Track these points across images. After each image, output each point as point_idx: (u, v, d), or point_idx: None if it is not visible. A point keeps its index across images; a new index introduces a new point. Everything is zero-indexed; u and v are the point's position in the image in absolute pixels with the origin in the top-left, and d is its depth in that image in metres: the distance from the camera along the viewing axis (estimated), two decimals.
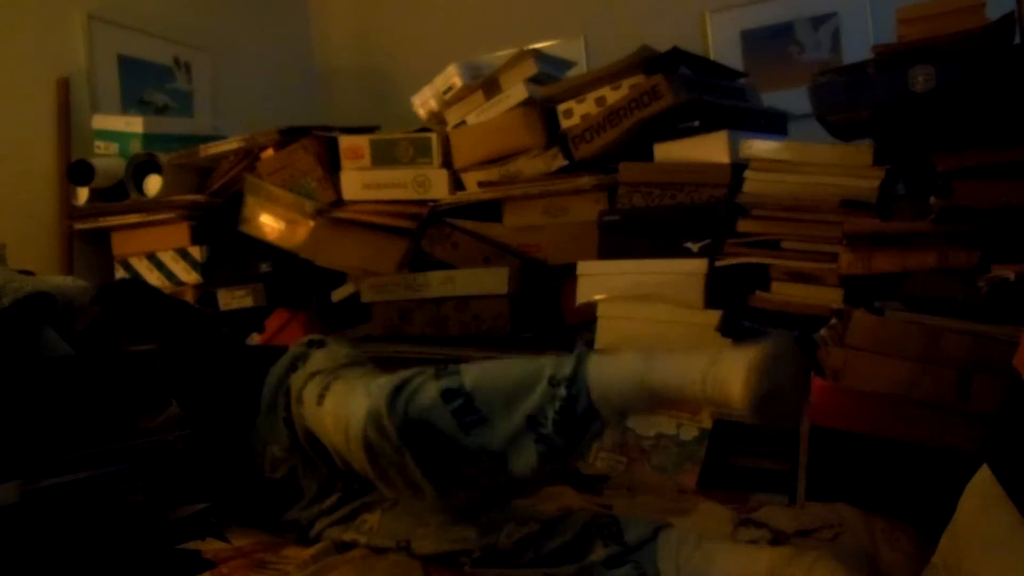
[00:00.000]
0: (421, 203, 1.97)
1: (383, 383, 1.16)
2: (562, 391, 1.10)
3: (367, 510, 1.24)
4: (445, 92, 2.04)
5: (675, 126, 1.77)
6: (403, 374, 1.17)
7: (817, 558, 1.01)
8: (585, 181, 1.80)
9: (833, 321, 1.31)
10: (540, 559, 1.11)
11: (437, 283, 1.89)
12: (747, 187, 1.55)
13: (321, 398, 1.22)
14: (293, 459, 1.28)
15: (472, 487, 1.14)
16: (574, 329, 1.80)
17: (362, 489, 1.25)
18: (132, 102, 2.34)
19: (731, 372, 1.02)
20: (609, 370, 1.11)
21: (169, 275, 2.08)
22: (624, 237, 1.67)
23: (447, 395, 1.13)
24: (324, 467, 1.26)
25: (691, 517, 1.25)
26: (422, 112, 2.12)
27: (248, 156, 2.12)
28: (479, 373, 1.16)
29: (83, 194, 2.15)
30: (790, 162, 1.52)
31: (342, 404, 1.19)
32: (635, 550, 1.09)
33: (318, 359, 1.30)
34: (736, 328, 1.47)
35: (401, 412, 1.12)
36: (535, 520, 1.14)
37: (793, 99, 1.98)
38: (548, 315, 1.87)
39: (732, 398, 1.01)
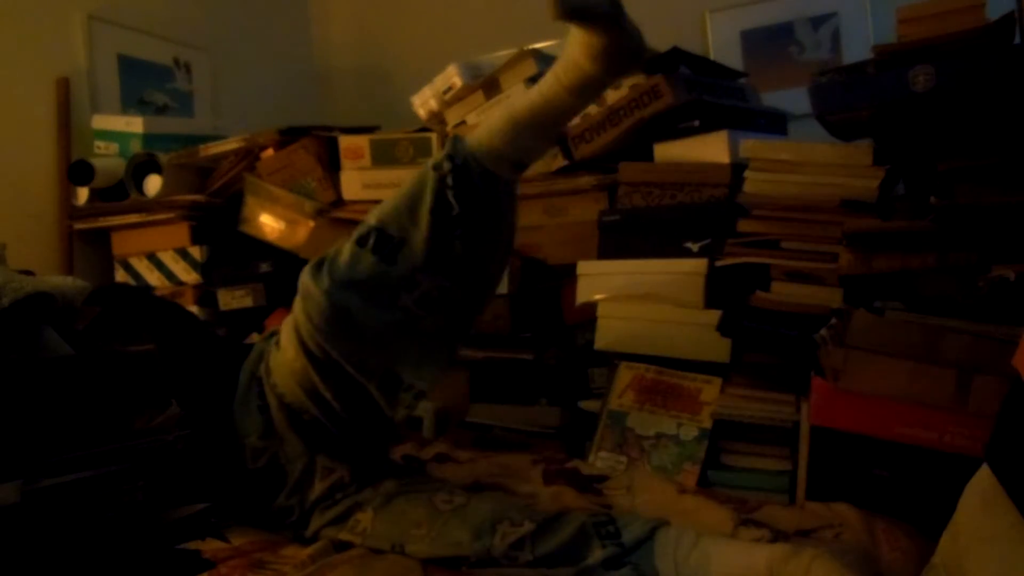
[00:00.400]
0: None
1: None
2: (446, 165, 1.15)
3: (359, 509, 1.24)
4: (445, 92, 2.04)
5: (675, 126, 1.77)
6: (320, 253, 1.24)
7: (815, 556, 1.01)
8: (585, 181, 1.80)
9: (833, 321, 1.31)
10: (537, 561, 1.11)
11: None
12: (747, 187, 1.55)
13: (277, 343, 1.27)
14: (271, 445, 1.28)
15: (430, 309, 1.18)
16: (574, 329, 1.80)
17: (351, 484, 1.25)
18: (132, 102, 2.34)
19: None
20: (481, 128, 1.19)
21: (169, 275, 2.08)
22: (624, 237, 1.67)
23: (360, 241, 1.19)
24: (301, 442, 1.26)
25: (691, 517, 1.24)
26: (422, 112, 2.12)
27: (248, 156, 2.12)
28: (379, 208, 1.22)
29: (83, 194, 2.15)
30: (790, 162, 1.52)
31: (286, 324, 1.24)
32: (633, 550, 1.09)
33: None
34: (736, 328, 1.47)
35: (327, 281, 1.17)
36: (530, 520, 1.13)
37: (793, 99, 1.98)
38: (548, 315, 1.87)
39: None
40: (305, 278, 1.20)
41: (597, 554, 1.09)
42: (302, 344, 1.20)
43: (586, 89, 1.20)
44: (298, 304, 1.21)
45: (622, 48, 1.18)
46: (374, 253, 1.17)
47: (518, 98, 1.21)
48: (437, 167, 1.17)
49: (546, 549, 1.11)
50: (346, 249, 1.20)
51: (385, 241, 1.18)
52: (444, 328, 1.21)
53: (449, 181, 1.15)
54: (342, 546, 1.22)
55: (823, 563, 1.00)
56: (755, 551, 1.06)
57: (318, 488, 1.26)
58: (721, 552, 1.07)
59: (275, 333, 1.34)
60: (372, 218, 1.21)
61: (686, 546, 1.07)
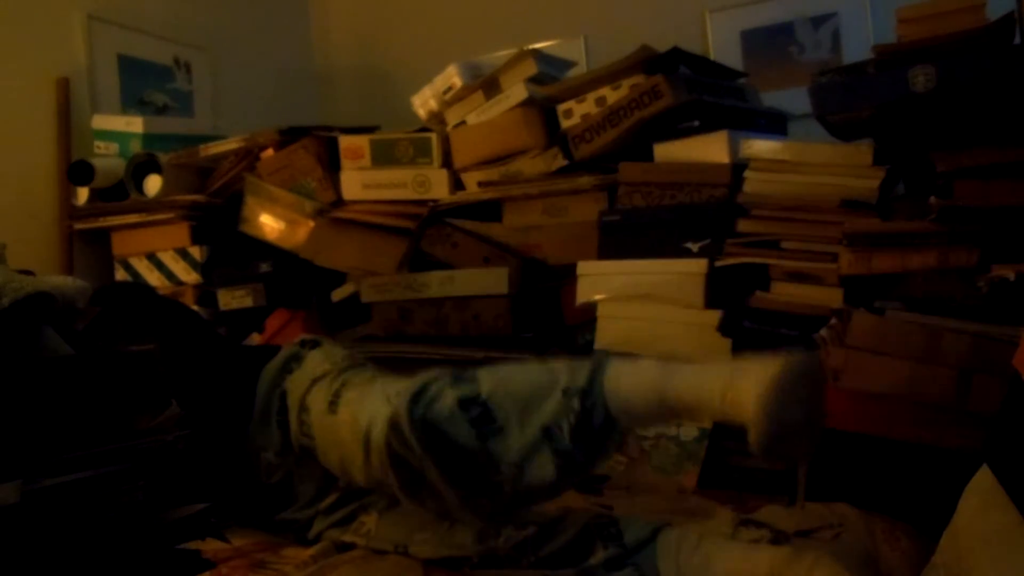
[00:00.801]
0: (421, 203, 1.97)
1: (401, 389, 1.14)
2: (576, 403, 1.07)
3: (364, 512, 1.24)
4: (445, 92, 2.04)
5: (675, 126, 1.77)
6: (420, 379, 1.15)
7: (817, 559, 1.01)
8: (585, 181, 1.79)
9: (833, 321, 1.31)
10: (539, 562, 1.11)
11: (437, 283, 1.89)
12: (747, 187, 1.55)
13: (333, 405, 1.20)
14: (287, 463, 1.27)
15: (495, 494, 1.11)
16: (574, 329, 1.80)
17: (360, 491, 1.25)
18: (132, 102, 2.34)
19: (745, 385, 0.99)
20: (627, 382, 1.08)
21: (169, 275, 2.08)
22: (624, 237, 1.67)
23: (464, 404, 1.11)
24: (321, 468, 1.25)
25: (691, 517, 1.25)
26: (422, 112, 2.12)
27: (248, 156, 2.12)
28: (495, 381, 1.13)
29: (83, 194, 2.15)
30: (790, 162, 1.52)
31: (360, 412, 1.16)
32: (635, 552, 1.09)
33: (315, 361, 1.28)
34: (736, 328, 1.47)
35: (419, 419, 1.10)
36: (533, 523, 1.13)
37: (793, 99, 1.98)
38: (548, 315, 1.87)
39: (746, 423, 1.00)
40: (401, 410, 1.11)
41: (599, 555, 1.09)
42: (365, 445, 1.14)
43: (731, 424, 1.10)
44: (379, 424, 1.13)
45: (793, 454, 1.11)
46: (473, 427, 1.10)
47: (676, 373, 1.07)
48: (567, 394, 1.09)
49: (549, 551, 1.11)
50: (447, 401, 1.11)
51: (488, 420, 1.10)
52: (491, 513, 1.14)
53: (571, 419, 1.07)
54: (344, 547, 1.22)
55: (825, 566, 1.00)
56: (757, 553, 1.06)
57: (327, 501, 1.26)
58: (723, 554, 1.07)
59: (306, 343, 1.31)
60: (484, 386, 1.13)
61: (688, 548, 1.07)
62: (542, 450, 1.08)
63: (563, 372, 1.11)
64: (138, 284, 2.04)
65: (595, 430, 1.08)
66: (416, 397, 1.12)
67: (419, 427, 1.09)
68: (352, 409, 1.18)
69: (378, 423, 1.12)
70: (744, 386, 1.00)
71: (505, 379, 1.14)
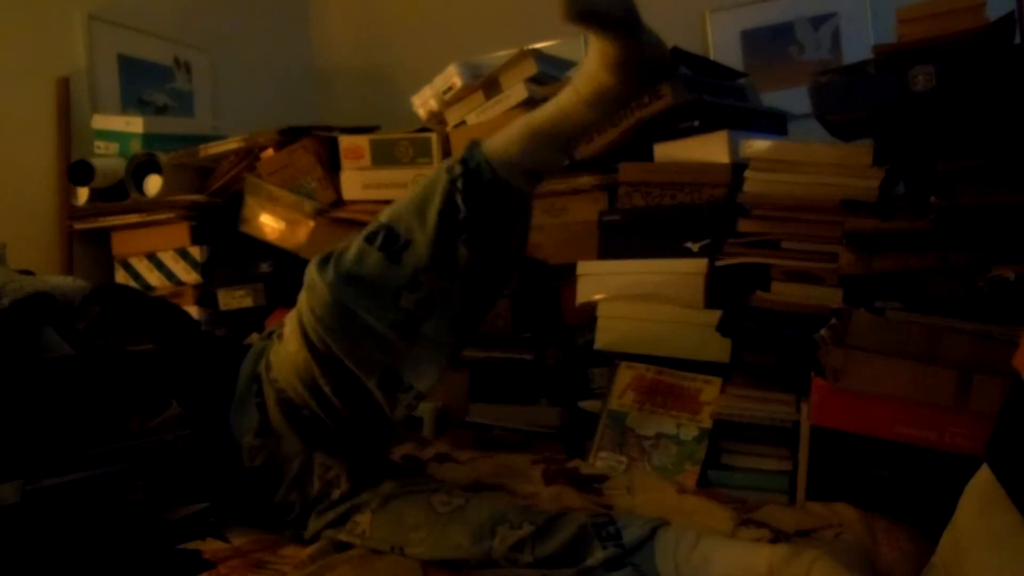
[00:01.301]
0: None
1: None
2: (458, 169, 1.16)
3: (357, 511, 1.24)
4: (445, 92, 2.04)
5: (675, 126, 1.76)
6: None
7: (816, 557, 1.01)
8: (585, 181, 1.80)
9: (833, 321, 1.30)
10: (537, 563, 1.10)
11: None
12: (747, 187, 1.55)
13: (279, 336, 1.27)
14: (268, 443, 1.27)
15: (431, 311, 1.18)
16: (574, 329, 1.80)
17: (352, 490, 1.25)
18: (132, 102, 2.34)
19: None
20: (498, 136, 1.19)
21: (169, 275, 2.08)
22: (624, 237, 1.67)
23: (369, 238, 1.19)
24: (298, 439, 1.25)
25: (691, 517, 1.24)
26: (422, 112, 2.12)
27: (248, 156, 2.12)
28: (391, 207, 1.23)
29: (83, 194, 2.15)
30: (790, 162, 1.52)
31: (291, 316, 1.24)
32: (633, 551, 1.09)
33: None
34: (736, 328, 1.46)
35: (332, 275, 1.17)
36: (529, 522, 1.13)
37: (793, 99, 1.98)
38: (548, 315, 1.87)
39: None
40: (311, 270, 1.21)
41: (598, 555, 1.09)
42: (305, 336, 1.19)
43: (604, 101, 1.18)
44: (303, 296, 1.22)
45: (640, 59, 1.16)
46: (380, 250, 1.17)
47: (539, 108, 1.20)
48: (449, 170, 1.17)
49: (546, 551, 1.10)
50: (354, 245, 1.20)
51: (392, 240, 1.18)
52: (445, 331, 1.21)
53: (459, 185, 1.14)
54: (342, 546, 1.22)
55: (824, 564, 1.00)
56: (755, 552, 1.06)
57: (316, 484, 1.26)
58: (721, 553, 1.07)
59: (275, 331, 1.34)
60: (383, 216, 1.21)
61: (686, 547, 1.08)
62: (448, 237, 1.15)
63: (442, 166, 1.19)
64: (129, 287, 2.04)
65: (485, 188, 1.15)
66: (325, 259, 1.20)
67: (333, 280, 1.17)
68: (288, 322, 1.25)
69: (300, 304, 1.21)
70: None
71: (400, 200, 1.23)
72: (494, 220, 1.18)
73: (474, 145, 1.19)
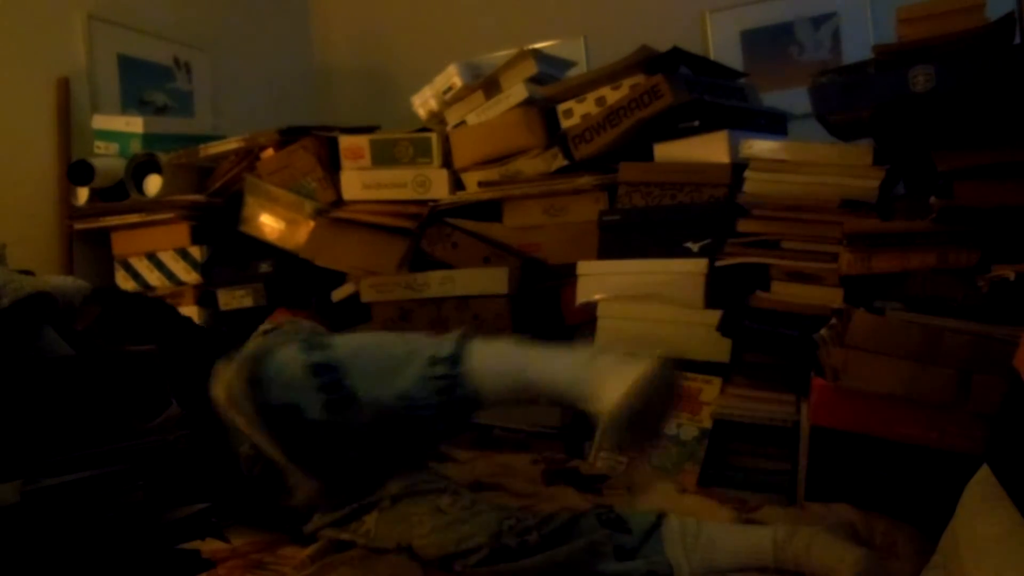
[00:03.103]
0: (421, 203, 1.97)
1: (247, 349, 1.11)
2: (440, 369, 1.11)
3: (365, 511, 1.23)
4: (445, 92, 2.04)
5: (675, 126, 1.77)
6: (268, 340, 1.13)
7: (814, 533, 1.07)
8: (585, 181, 1.80)
9: (833, 321, 1.31)
10: (545, 540, 1.11)
11: (437, 283, 1.89)
12: (747, 187, 1.54)
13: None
14: (261, 454, 1.24)
15: (343, 468, 1.12)
16: (574, 329, 1.80)
17: (359, 489, 1.25)
18: (132, 102, 2.34)
19: (608, 383, 1.04)
20: (489, 361, 1.13)
21: (169, 275, 2.08)
22: (624, 237, 1.67)
23: (317, 370, 1.09)
24: (280, 451, 1.21)
25: (691, 517, 1.25)
26: (422, 112, 2.12)
27: (248, 156, 2.12)
28: (351, 349, 1.13)
29: (83, 194, 2.15)
30: (790, 162, 1.52)
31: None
32: (642, 542, 1.11)
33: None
34: (736, 328, 1.46)
35: (258, 381, 1.08)
36: (533, 516, 1.14)
37: (793, 99, 1.98)
38: (548, 315, 1.87)
39: (602, 407, 1.03)
40: (233, 374, 1.09)
41: (608, 545, 1.11)
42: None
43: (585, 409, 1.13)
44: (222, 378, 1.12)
45: (638, 441, 1.16)
46: (323, 392, 1.09)
47: (536, 355, 1.13)
48: (433, 362, 1.11)
49: (552, 528, 1.13)
50: (293, 362, 1.09)
51: (337, 388, 1.10)
52: (344, 488, 1.17)
53: (437, 386, 1.10)
54: (342, 546, 1.22)
55: (823, 538, 1.06)
56: (757, 533, 1.12)
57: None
58: (725, 536, 1.12)
59: (269, 331, 1.29)
60: (338, 350, 1.11)
61: (691, 534, 1.11)
62: (397, 416, 1.10)
63: (427, 344, 1.13)
64: (126, 292, 2.04)
65: (457, 401, 1.11)
66: (258, 360, 1.09)
67: (255, 391, 1.07)
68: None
69: (222, 378, 1.10)
70: (609, 384, 1.04)
71: (362, 347, 1.15)
72: (451, 423, 1.15)
73: (462, 348, 1.12)
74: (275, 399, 1.08)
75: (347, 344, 1.14)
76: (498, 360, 1.14)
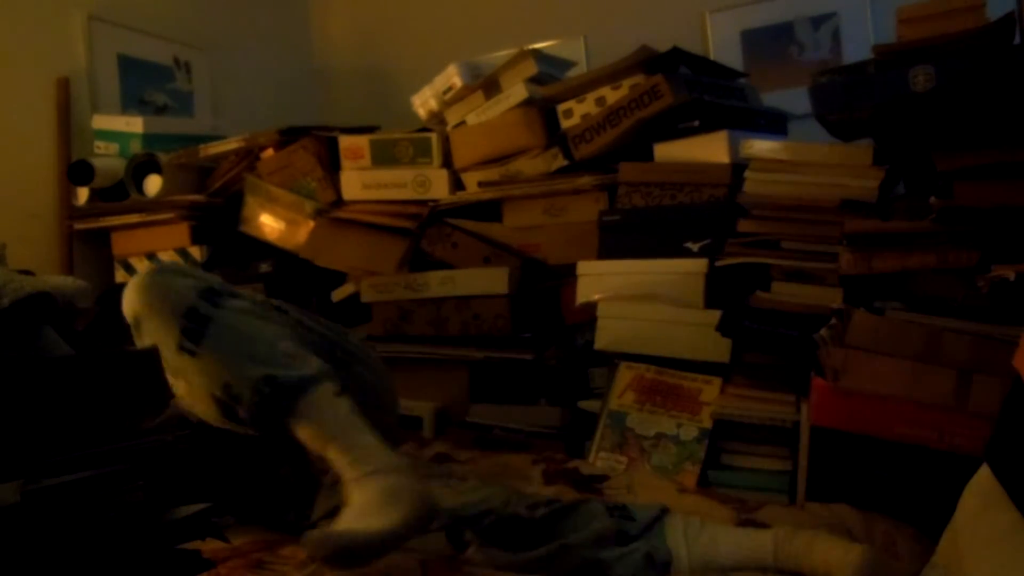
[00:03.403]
0: (421, 203, 1.97)
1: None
2: (267, 390, 1.07)
3: None
4: (445, 92, 2.04)
5: (675, 126, 1.77)
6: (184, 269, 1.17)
7: (815, 533, 1.09)
8: (585, 181, 1.80)
9: (833, 321, 1.31)
10: (552, 515, 1.15)
11: (437, 283, 1.89)
12: (747, 187, 1.55)
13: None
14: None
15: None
16: (574, 329, 1.81)
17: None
18: (132, 102, 2.34)
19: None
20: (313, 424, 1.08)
21: None
22: (624, 237, 1.67)
23: (189, 313, 1.08)
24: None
25: (691, 517, 1.25)
26: (422, 112, 2.12)
27: (248, 156, 2.12)
28: (233, 322, 1.11)
29: (83, 194, 2.15)
30: (790, 162, 1.52)
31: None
32: (645, 529, 1.14)
33: None
34: (736, 328, 1.47)
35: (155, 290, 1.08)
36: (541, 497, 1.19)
37: (793, 99, 1.98)
38: (548, 315, 1.87)
39: None
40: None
41: (609, 523, 1.13)
42: None
43: None
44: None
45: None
46: (181, 334, 1.07)
47: (349, 428, 1.07)
48: (269, 380, 1.08)
49: (559, 505, 1.17)
50: (182, 295, 1.09)
51: (194, 339, 1.08)
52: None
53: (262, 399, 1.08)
54: None
55: (823, 538, 1.08)
56: (760, 534, 1.13)
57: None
58: (727, 536, 1.14)
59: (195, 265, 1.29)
60: (220, 314, 1.10)
61: (694, 530, 1.14)
62: (218, 402, 1.08)
63: (283, 360, 1.10)
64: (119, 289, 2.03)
65: (274, 428, 1.09)
66: (165, 272, 1.12)
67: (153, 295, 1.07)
68: None
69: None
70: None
71: (242, 326, 1.11)
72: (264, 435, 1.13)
73: (310, 386, 1.08)
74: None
75: (232, 316, 1.11)
76: (334, 420, 1.08)
